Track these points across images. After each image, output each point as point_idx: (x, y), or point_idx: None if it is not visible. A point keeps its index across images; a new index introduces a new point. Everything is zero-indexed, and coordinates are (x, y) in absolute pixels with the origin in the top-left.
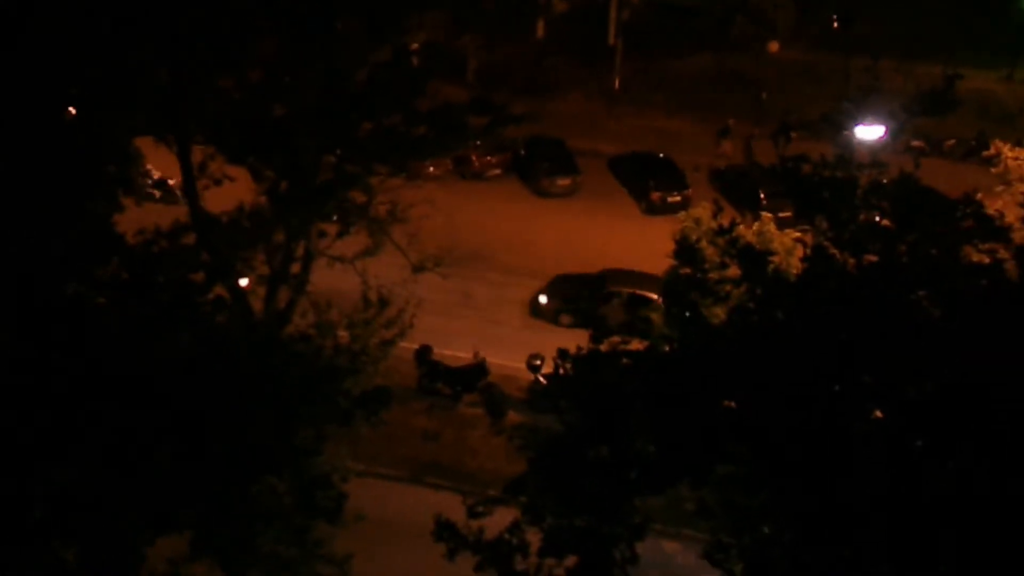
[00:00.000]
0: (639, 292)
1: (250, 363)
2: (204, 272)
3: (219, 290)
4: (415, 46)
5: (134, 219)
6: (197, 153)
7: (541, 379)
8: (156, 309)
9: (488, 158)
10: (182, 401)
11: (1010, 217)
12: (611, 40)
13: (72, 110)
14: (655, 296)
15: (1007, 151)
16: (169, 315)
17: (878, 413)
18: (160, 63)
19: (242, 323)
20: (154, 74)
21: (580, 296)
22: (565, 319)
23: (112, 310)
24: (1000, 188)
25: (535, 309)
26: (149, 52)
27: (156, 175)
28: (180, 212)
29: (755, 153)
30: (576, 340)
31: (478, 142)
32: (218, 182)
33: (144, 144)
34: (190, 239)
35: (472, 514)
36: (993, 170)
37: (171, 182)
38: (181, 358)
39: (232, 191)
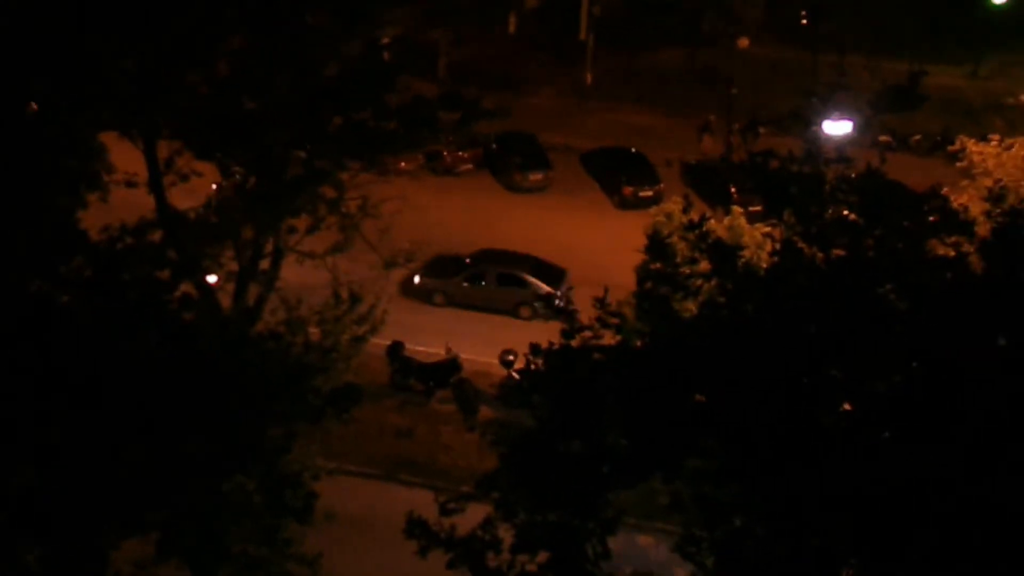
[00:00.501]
0: (509, 271)
1: (219, 361)
2: (171, 269)
3: (187, 287)
4: (386, 40)
5: (99, 215)
6: (163, 148)
7: (514, 374)
8: (122, 307)
9: (460, 153)
10: (149, 400)
11: (975, 211)
12: (583, 35)
13: (34, 105)
14: (526, 276)
15: (972, 146)
16: (135, 313)
17: (847, 406)
18: (126, 56)
19: (211, 320)
20: (119, 67)
21: (448, 274)
22: (438, 299)
23: (77, 308)
24: (965, 182)
25: (407, 288)
26: (114, 44)
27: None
28: (146, 208)
29: (736, 148)
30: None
31: (450, 137)
32: (185, 178)
33: (108, 139)
34: (157, 236)
35: (444, 511)
36: (958, 164)
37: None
38: (148, 356)
39: (200, 186)
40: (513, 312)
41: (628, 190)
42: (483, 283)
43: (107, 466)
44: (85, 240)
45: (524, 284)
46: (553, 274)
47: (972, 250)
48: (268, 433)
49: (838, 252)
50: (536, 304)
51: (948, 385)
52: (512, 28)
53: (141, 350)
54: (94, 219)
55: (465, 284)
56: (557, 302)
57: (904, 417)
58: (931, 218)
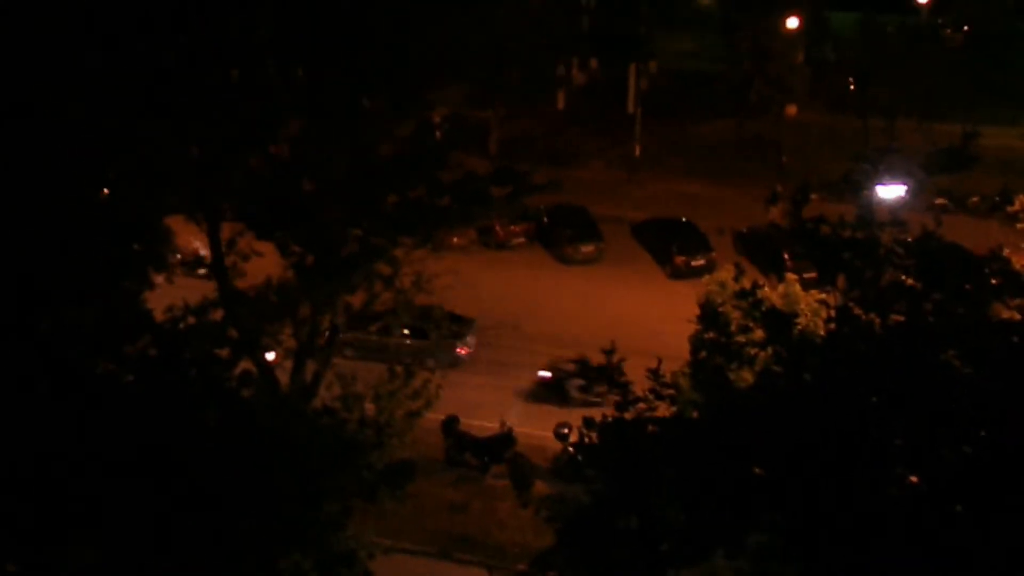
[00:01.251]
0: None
1: (275, 437)
2: (231, 347)
3: (247, 364)
4: (438, 119)
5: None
6: (226, 230)
7: (569, 448)
8: (183, 385)
9: (512, 227)
10: (207, 477)
11: None
12: (630, 108)
13: (106, 190)
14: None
15: None
16: (195, 390)
17: (913, 478)
18: (190, 143)
19: (269, 397)
20: (184, 153)
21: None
22: (348, 352)
23: (140, 387)
24: None
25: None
26: (181, 131)
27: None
28: (208, 288)
29: (787, 215)
30: (604, 409)
31: (502, 212)
32: (246, 258)
33: (174, 222)
34: (218, 314)
35: None
36: (1018, 225)
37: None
38: (207, 433)
39: (260, 266)
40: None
41: (680, 259)
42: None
43: (165, 543)
44: (150, 320)
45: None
46: (463, 323)
47: None
48: (323, 510)
49: (896, 318)
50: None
51: (1018, 453)
52: (561, 104)
53: (200, 427)
54: (162, 299)
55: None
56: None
57: (976, 490)
58: (993, 280)
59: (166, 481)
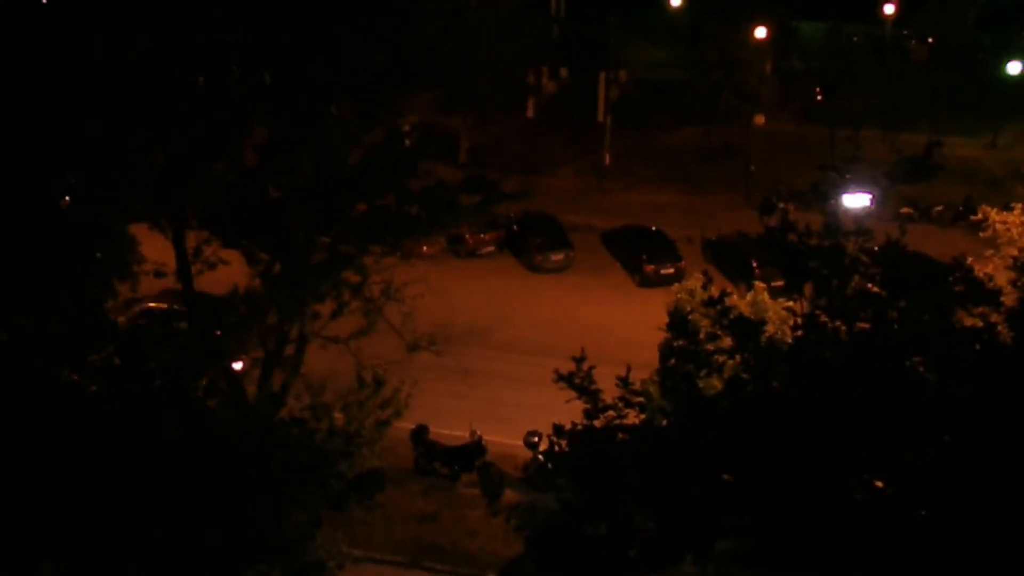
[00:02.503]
0: None
1: (242, 447)
2: (196, 357)
3: (213, 374)
4: (407, 127)
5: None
6: (191, 238)
7: (539, 456)
8: (147, 395)
9: (482, 236)
10: (172, 488)
11: (1000, 280)
12: (600, 117)
13: (67, 199)
14: None
15: (994, 215)
16: (160, 401)
17: (878, 483)
18: (154, 149)
19: (236, 407)
20: (148, 160)
21: None
22: None
23: (103, 397)
24: (989, 252)
25: None
26: (145, 139)
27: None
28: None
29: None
30: (575, 417)
31: (471, 220)
32: (212, 266)
33: (138, 230)
34: (184, 324)
35: None
36: (982, 234)
37: None
38: (172, 444)
39: (227, 274)
40: None
41: (649, 268)
42: None
43: (129, 557)
44: (114, 329)
45: None
46: None
47: (1000, 320)
48: (291, 520)
49: (862, 325)
50: None
51: (982, 459)
52: (531, 112)
53: (165, 437)
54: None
55: None
56: None
57: (939, 494)
58: (957, 288)
59: (130, 493)
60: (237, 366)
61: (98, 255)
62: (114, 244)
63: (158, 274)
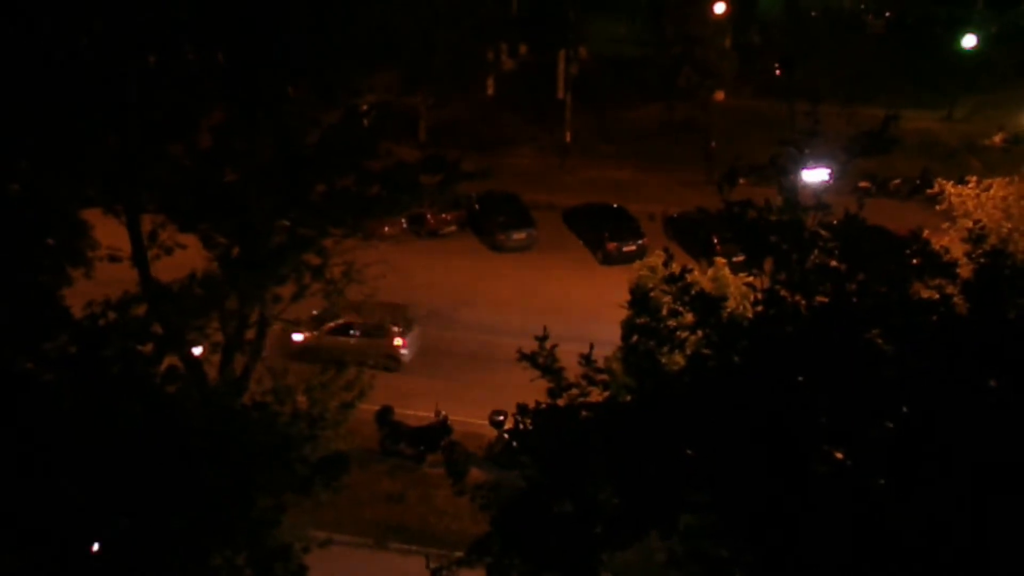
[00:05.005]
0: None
1: (204, 433)
2: (155, 342)
3: (172, 360)
4: (365, 107)
5: (86, 290)
6: (147, 222)
7: (504, 435)
8: (104, 383)
9: (443, 215)
10: (133, 475)
11: (956, 253)
12: (560, 94)
13: (16, 185)
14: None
15: (950, 188)
16: (117, 388)
17: (838, 454)
18: (107, 131)
19: (196, 393)
20: (101, 143)
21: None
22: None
23: (60, 386)
24: (945, 225)
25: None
26: (97, 122)
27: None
28: (132, 282)
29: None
30: (539, 395)
31: (432, 200)
32: (169, 251)
33: (92, 215)
34: (141, 309)
35: None
36: (938, 207)
37: None
38: (131, 431)
39: (184, 258)
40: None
41: (611, 245)
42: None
43: (90, 545)
44: (68, 317)
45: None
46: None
47: (955, 292)
48: (256, 505)
49: (822, 299)
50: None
51: (939, 428)
52: (490, 90)
53: (124, 425)
54: (80, 295)
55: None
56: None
57: (897, 463)
58: (913, 261)
59: (90, 482)
60: (197, 351)
61: (50, 241)
62: (67, 229)
63: (113, 259)
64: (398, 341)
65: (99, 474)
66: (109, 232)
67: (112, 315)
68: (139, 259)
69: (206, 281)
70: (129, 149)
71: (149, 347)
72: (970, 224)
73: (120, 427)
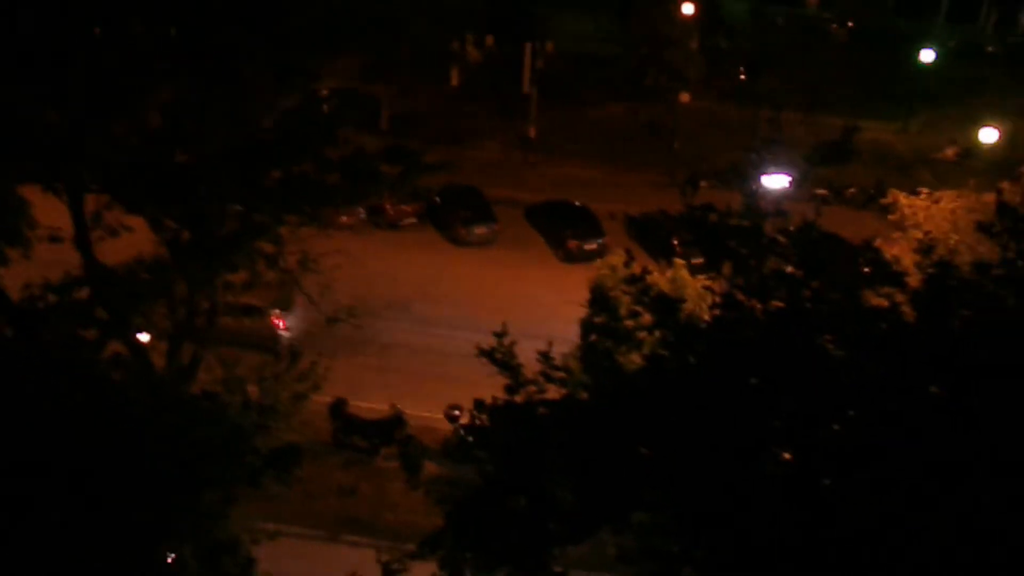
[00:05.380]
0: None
1: (149, 423)
2: (98, 328)
3: (117, 346)
4: (325, 92)
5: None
6: (90, 202)
7: (460, 430)
8: (44, 369)
9: (403, 207)
10: (74, 466)
11: (906, 262)
12: (526, 89)
13: None
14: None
15: (903, 199)
16: (58, 374)
17: (787, 455)
18: (48, 106)
19: (142, 381)
20: (41, 117)
21: None
22: None
23: None
24: (897, 234)
25: None
26: (36, 94)
27: None
28: (72, 264)
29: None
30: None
31: (392, 191)
32: (114, 233)
33: (31, 192)
34: (83, 293)
35: (388, 572)
36: (890, 217)
37: None
38: (72, 420)
39: (131, 241)
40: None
41: (573, 243)
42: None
43: (31, 537)
44: (5, 299)
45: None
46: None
47: (904, 300)
48: (203, 498)
49: (777, 304)
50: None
51: (883, 433)
52: (455, 81)
53: (65, 413)
54: (18, 276)
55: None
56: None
57: (843, 465)
58: (865, 269)
59: (28, 472)
60: (144, 338)
61: None
62: (3, 207)
63: (53, 239)
64: (277, 323)
65: (38, 463)
66: (50, 211)
67: (52, 298)
68: (82, 240)
69: (154, 266)
70: (71, 124)
71: (92, 332)
72: (920, 235)
73: (61, 415)
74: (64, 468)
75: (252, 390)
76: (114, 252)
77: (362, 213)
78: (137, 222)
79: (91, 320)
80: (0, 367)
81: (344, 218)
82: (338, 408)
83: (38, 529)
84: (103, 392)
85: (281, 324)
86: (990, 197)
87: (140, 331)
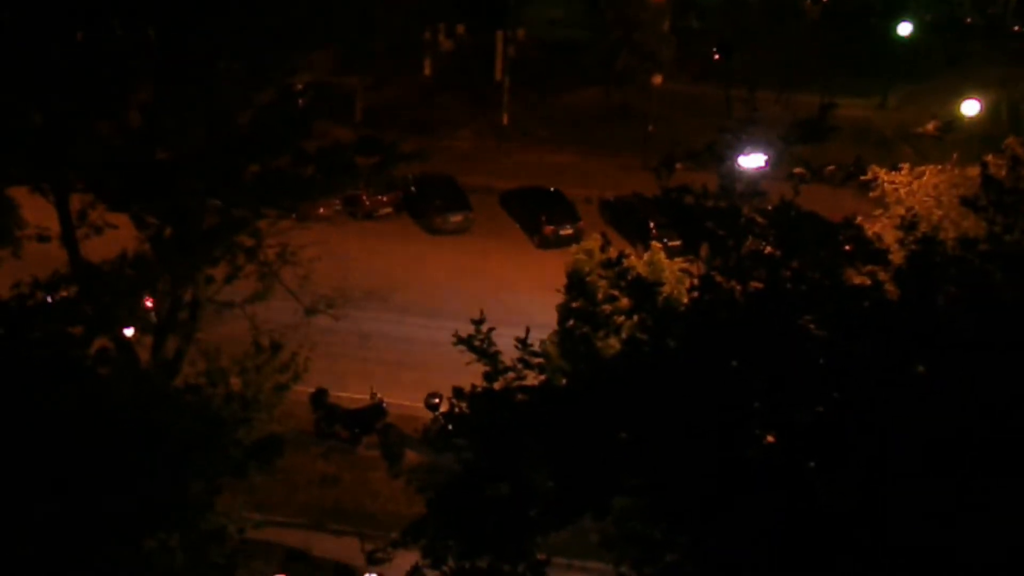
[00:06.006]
0: None
1: (135, 416)
2: (85, 324)
3: (104, 342)
4: (300, 86)
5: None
6: (76, 201)
7: (440, 418)
8: (32, 365)
9: (379, 197)
10: (62, 459)
11: (888, 239)
12: (498, 76)
13: None
14: None
15: (883, 175)
16: (46, 370)
17: (770, 438)
18: (31, 107)
19: (128, 375)
20: (27, 119)
21: None
22: None
23: None
24: (878, 212)
25: None
26: (22, 96)
27: None
28: (59, 262)
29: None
30: (475, 378)
31: (368, 181)
32: (99, 230)
33: (18, 193)
34: (71, 290)
35: (371, 560)
36: (871, 194)
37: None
38: (60, 414)
39: (115, 238)
40: None
41: (548, 229)
42: None
43: (20, 530)
44: None
45: None
46: None
47: (887, 278)
48: (189, 489)
49: (756, 285)
50: None
51: (867, 413)
52: (428, 71)
53: (53, 408)
54: (7, 275)
55: None
56: None
57: (826, 446)
58: (846, 247)
59: (17, 466)
60: (129, 332)
61: None
62: None
63: (41, 238)
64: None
65: (28, 457)
66: (37, 211)
67: (41, 295)
68: (68, 239)
69: (138, 262)
70: (55, 126)
71: (79, 329)
72: (902, 211)
73: (50, 410)
74: (52, 462)
75: (235, 382)
76: (99, 249)
77: (339, 204)
78: (121, 219)
79: (78, 316)
80: None
81: (321, 210)
82: (319, 398)
83: (26, 522)
84: (90, 387)
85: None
86: (974, 171)
87: (125, 326)
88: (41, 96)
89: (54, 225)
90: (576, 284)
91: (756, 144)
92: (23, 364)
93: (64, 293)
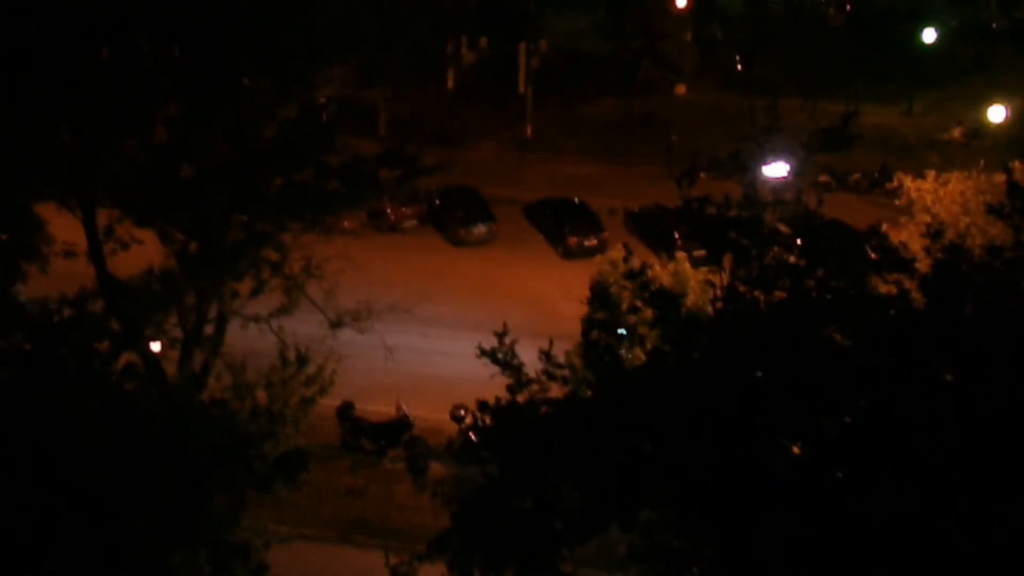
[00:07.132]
0: None
1: (162, 431)
2: (112, 339)
3: (131, 356)
4: (323, 100)
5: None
6: (102, 216)
7: (471, 434)
8: (60, 380)
9: (403, 210)
10: (90, 474)
11: (914, 247)
12: (521, 88)
13: None
14: None
15: (909, 183)
16: (74, 386)
17: (796, 449)
18: (62, 125)
19: (155, 390)
20: (55, 137)
21: None
22: None
23: (14, 384)
24: (904, 219)
25: None
26: (50, 114)
27: None
28: (87, 278)
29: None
30: (500, 390)
31: (392, 194)
32: (126, 246)
33: (46, 210)
34: (98, 306)
35: (397, 574)
36: (897, 201)
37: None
38: (88, 429)
39: (141, 253)
40: None
41: (572, 240)
42: None
43: (48, 545)
44: (22, 313)
45: None
46: None
47: (913, 287)
48: (215, 503)
49: (780, 294)
50: None
51: (896, 423)
52: (451, 84)
53: (80, 424)
54: (36, 291)
55: None
56: None
57: (855, 457)
58: (872, 256)
59: (46, 481)
60: (155, 347)
61: (3, 236)
62: (21, 225)
63: (68, 254)
64: None
65: (56, 473)
66: (64, 227)
67: (68, 311)
68: (95, 254)
69: (164, 277)
70: (83, 143)
71: (106, 344)
72: (928, 219)
73: (77, 426)
74: (78, 477)
75: (260, 396)
76: (126, 265)
77: (364, 217)
78: (147, 235)
79: (105, 332)
80: (19, 380)
81: (346, 223)
82: (345, 411)
83: (53, 537)
84: (116, 402)
85: None
86: (1001, 177)
87: (152, 341)
88: (68, 113)
89: (81, 241)
90: (600, 295)
91: (779, 152)
92: (50, 379)
93: (91, 308)
